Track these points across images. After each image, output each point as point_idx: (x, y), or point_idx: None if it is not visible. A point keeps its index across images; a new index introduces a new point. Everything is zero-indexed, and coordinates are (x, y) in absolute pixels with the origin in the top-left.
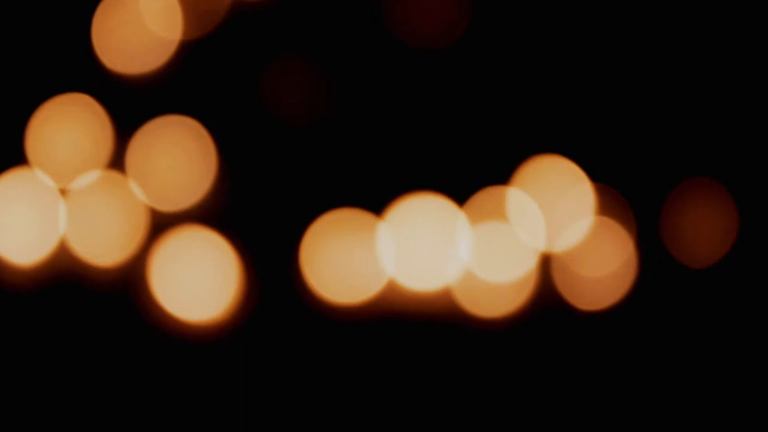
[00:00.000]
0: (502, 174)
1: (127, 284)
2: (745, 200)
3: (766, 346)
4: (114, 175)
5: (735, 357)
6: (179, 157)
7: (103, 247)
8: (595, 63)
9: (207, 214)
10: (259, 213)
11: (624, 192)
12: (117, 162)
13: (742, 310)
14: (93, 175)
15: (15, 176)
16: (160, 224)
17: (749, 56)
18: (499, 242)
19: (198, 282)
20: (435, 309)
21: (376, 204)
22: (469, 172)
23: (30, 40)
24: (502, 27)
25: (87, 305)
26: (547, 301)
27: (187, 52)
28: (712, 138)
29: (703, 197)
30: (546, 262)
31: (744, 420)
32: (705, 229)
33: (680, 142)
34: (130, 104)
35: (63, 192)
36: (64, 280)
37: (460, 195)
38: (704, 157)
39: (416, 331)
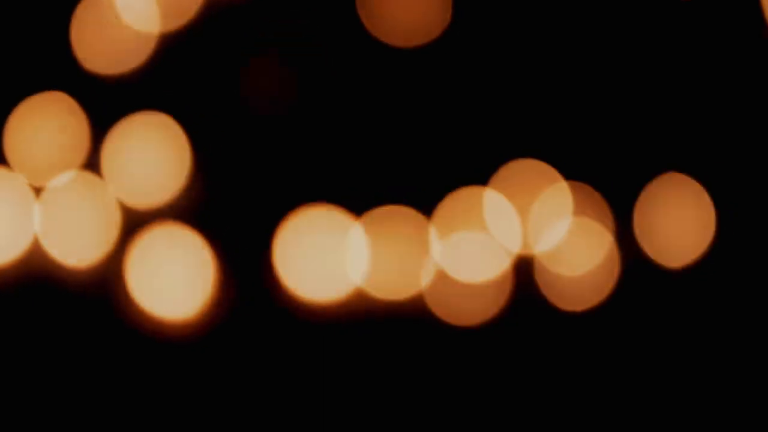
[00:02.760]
0: (478, 176)
1: (102, 283)
2: (724, 198)
3: (747, 343)
4: (89, 174)
5: (715, 355)
6: (154, 154)
7: (78, 247)
8: (570, 64)
9: (181, 211)
10: (233, 210)
11: (601, 191)
12: (92, 161)
13: (721, 307)
14: (68, 175)
15: None
16: (135, 222)
17: (722, 53)
18: (477, 245)
19: (172, 279)
20: (412, 312)
21: (352, 203)
22: (445, 174)
23: (6, 39)
24: (476, 30)
25: (61, 305)
26: (527, 302)
27: (162, 50)
28: (689, 136)
29: (681, 196)
30: (524, 264)
31: (724, 419)
32: (684, 227)
33: (657, 140)
34: (105, 103)
35: (38, 191)
36: (38, 280)
37: (436, 198)
38: (682, 156)
39: (393, 331)
